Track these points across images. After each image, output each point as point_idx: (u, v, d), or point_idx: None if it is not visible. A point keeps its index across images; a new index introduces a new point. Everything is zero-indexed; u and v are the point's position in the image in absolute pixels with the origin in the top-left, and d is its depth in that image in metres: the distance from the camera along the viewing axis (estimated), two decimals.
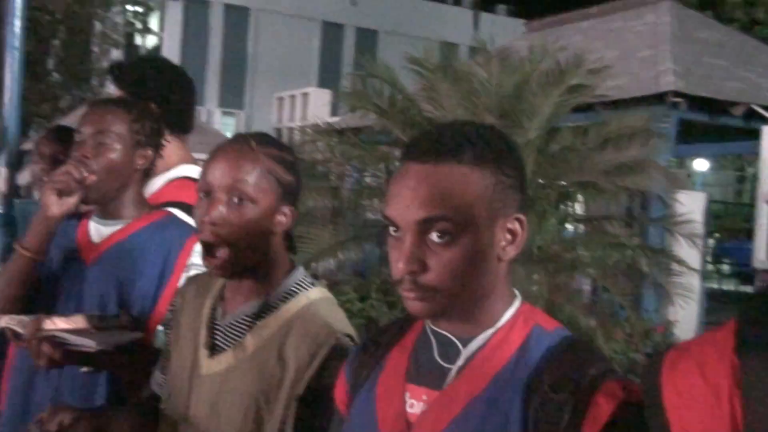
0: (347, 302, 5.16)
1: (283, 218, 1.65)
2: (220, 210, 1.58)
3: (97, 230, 2.10)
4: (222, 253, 1.59)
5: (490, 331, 1.25)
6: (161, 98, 2.36)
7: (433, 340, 1.29)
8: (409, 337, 1.36)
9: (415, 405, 1.27)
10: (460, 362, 1.25)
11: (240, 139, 1.67)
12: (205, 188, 1.61)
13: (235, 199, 1.59)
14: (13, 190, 3.39)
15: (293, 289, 1.67)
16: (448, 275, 1.18)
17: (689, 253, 6.61)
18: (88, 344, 1.77)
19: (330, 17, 24.78)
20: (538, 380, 1.18)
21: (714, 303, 11.44)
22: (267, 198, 1.61)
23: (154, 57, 2.64)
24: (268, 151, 1.64)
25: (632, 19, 12.57)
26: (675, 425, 1.02)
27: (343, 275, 6.20)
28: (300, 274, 1.70)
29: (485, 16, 26.22)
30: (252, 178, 1.60)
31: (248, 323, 1.63)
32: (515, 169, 1.24)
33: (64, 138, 2.98)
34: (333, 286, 5.96)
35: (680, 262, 6.09)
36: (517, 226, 1.24)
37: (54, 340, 1.78)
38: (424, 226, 1.18)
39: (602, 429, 1.11)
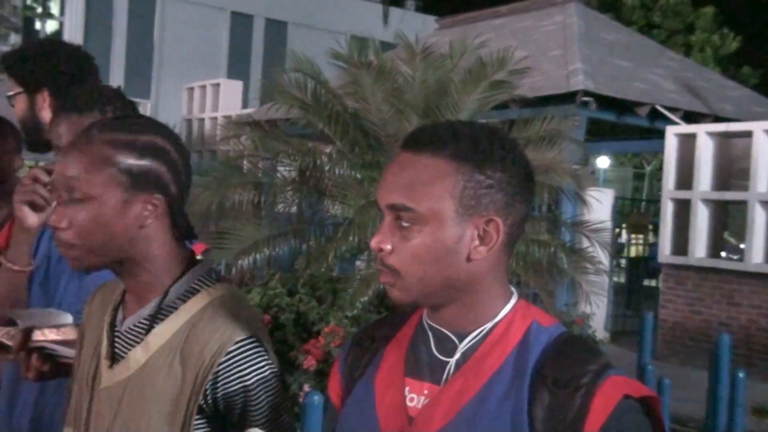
0: (276, 297, 5.13)
1: (150, 208, 1.44)
2: (60, 212, 1.42)
3: None
4: (72, 252, 1.44)
5: (487, 327, 1.27)
6: (50, 79, 2.30)
7: (430, 334, 1.31)
8: (404, 332, 1.37)
9: (415, 399, 1.28)
10: (457, 356, 1.27)
11: (87, 127, 1.48)
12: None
13: (75, 197, 1.41)
14: None
15: (194, 286, 1.49)
16: (408, 261, 1.22)
17: (598, 251, 6.85)
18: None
19: (239, 7, 24.39)
20: (541, 376, 1.21)
21: (620, 296, 11.90)
22: (109, 191, 1.41)
23: (42, 40, 2.59)
24: (110, 137, 1.43)
25: (542, 18, 12.88)
26: None
27: (270, 270, 6.15)
28: (202, 269, 1.52)
29: (394, 11, 26.36)
30: (83, 171, 1.41)
31: (146, 327, 1.47)
32: (503, 171, 1.23)
33: None
34: (261, 282, 5.92)
35: (597, 263, 6.31)
36: (491, 228, 1.23)
37: (43, 352, 1.66)
38: (394, 211, 1.23)
39: (603, 424, 1.15)
